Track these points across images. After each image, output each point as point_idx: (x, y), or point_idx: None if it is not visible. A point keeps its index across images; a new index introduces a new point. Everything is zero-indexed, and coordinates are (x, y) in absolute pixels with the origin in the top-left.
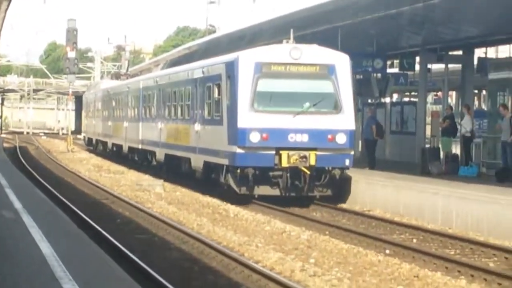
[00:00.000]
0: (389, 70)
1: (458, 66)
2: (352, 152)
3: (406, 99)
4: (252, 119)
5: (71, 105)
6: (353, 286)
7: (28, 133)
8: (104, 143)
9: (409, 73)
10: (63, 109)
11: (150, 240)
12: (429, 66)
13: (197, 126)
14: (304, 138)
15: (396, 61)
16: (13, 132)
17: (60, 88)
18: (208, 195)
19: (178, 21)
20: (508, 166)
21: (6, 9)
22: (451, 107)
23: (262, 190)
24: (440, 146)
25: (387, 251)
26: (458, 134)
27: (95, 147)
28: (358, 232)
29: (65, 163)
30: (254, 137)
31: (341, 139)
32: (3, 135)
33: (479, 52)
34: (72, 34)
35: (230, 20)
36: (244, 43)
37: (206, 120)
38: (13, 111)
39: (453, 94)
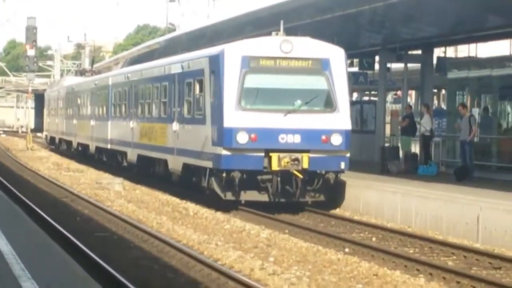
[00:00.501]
0: (348, 69)
1: (417, 65)
2: (348, 154)
3: (366, 98)
4: (239, 118)
5: (31, 103)
6: (312, 284)
7: None
8: (69, 142)
9: (369, 72)
10: (22, 107)
11: (109, 239)
12: (388, 65)
13: (175, 126)
14: (296, 139)
15: (355, 60)
16: None
17: (19, 86)
18: (167, 193)
19: (138, 19)
20: (466, 165)
21: None
22: (410, 106)
23: (249, 195)
24: (399, 145)
25: (347, 250)
26: (418, 133)
27: (58, 146)
28: (317, 230)
29: (25, 161)
30: (242, 138)
31: (336, 140)
32: None
33: (438, 52)
34: (31, 32)
35: (190, 19)
36: (218, 37)
37: (186, 119)
38: None
39: (413, 93)
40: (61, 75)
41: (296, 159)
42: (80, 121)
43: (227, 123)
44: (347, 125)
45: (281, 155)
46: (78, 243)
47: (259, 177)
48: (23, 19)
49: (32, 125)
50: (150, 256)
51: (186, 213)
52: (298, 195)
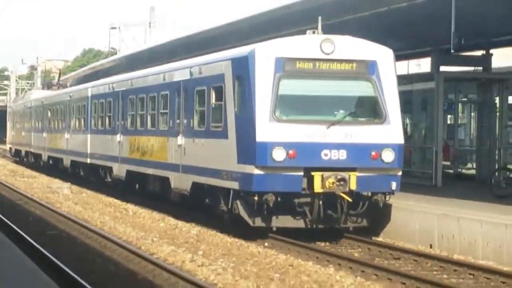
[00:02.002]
0: None
1: None
2: (400, 173)
3: None
4: (274, 131)
5: None
6: (236, 274)
7: None
8: (37, 155)
9: None
10: None
11: (59, 236)
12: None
13: (181, 140)
14: (342, 155)
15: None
16: None
17: None
18: (110, 196)
19: (84, 43)
20: None
21: None
22: None
23: (283, 221)
24: None
25: (266, 244)
26: None
27: (23, 158)
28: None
29: None
30: (278, 155)
31: (388, 156)
32: None
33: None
34: None
35: (129, 45)
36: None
37: (197, 132)
38: None
39: None
40: (16, 93)
41: (343, 179)
42: (52, 134)
43: (260, 137)
44: (400, 139)
45: (325, 174)
46: (30, 240)
47: (296, 201)
48: None
49: None
50: (94, 251)
51: (126, 213)
52: (343, 220)
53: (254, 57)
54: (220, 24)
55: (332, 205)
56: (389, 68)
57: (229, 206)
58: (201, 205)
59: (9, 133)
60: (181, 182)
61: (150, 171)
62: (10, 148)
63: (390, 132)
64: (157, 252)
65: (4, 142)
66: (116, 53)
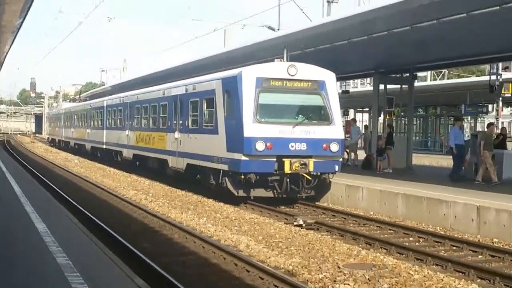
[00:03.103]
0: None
1: None
2: (341, 159)
3: None
4: (256, 130)
5: (33, 119)
6: (170, 206)
7: (6, 133)
8: (67, 143)
9: None
10: (28, 121)
11: (68, 182)
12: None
13: (177, 134)
14: (303, 146)
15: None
16: (2, 133)
17: (27, 111)
18: (101, 163)
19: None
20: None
21: (11, 44)
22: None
23: (258, 192)
24: None
25: (186, 189)
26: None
27: (57, 144)
28: (178, 178)
29: (28, 147)
30: (260, 146)
31: (334, 147)
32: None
33: None
34: (33, 85)
35: (110, 80)
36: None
37: (191, 130)
38: (2, 122)
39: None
40: (48, 106)
41: (304, 164)
42: (77, 129)
43: (247, 133)
44: (342, 135)
45: (292, 160)
46: (51, 184)
47: (269, 178)
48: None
49: (33, 130)
50: (88, 191)
51: (108, 172)
52: (301, 191)
53: (242, 77)
54: (193, 59)
55: (295, 181)
56: (333, 86)
57: (219, 181)
58: (192, 179)
59: (47, 128)
60: (178, 163)
61: (151, 154)
62: (48, 137)
63: (335, 130)
64: (126, 194)
65: (40, 133)
66: (104, 85)
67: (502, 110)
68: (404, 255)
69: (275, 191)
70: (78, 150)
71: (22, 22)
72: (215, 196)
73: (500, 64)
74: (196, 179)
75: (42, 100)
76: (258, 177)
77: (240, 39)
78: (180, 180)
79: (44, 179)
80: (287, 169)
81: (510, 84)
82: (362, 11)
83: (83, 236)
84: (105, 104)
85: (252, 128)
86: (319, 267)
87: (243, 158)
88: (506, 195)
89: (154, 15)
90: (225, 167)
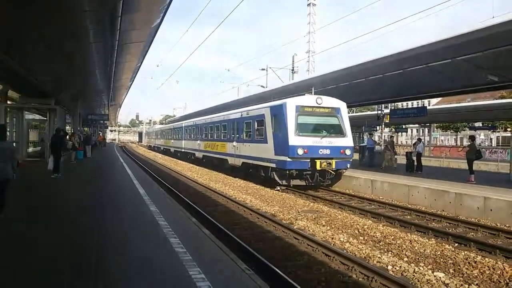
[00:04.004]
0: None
1: None
2: (351, 160)
3: None
4: (297, 140)
5: (137, 135)
6: (211, 180)
7: (124, 142)
8: (158, 147)
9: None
10: (134, 136)
11: (159, 170)
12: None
13: (235, 143)
14: (328, 151)
15: None
16: (121, 142)
17: (134, 130)
18: (177, 159)
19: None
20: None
21: (125, 95)
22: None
23: (295, 181)
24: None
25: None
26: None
27: (153, 148)
28: (233, 171)
29: (133, 148)
30: (300, 151)
31: (348, 152)
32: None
33: None
34: (137, 116)
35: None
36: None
37: (245, 140)
38: (121, 136)
39: None
40: (146, 127)
41: (330, 163)
42: (165, 139)
43: (291, 143)
44: (352, 144)
45: (322, 161)
46: (148, 170)
47: (304, 173)
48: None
49: (137, 140)
50: (171, 175)
51: (179, 163)
52: (326, 181)
53: (286, 105)
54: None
55: (322, 174)
56: (345, 111)
57: (268, 174)
58: (246, 171)
59: (146, 139)
60: (235, 161)
61: (215, 155)
62: (147, 144)
63: (348, 141)
64: (187, 175)
65: (140, 142)
66: (175, 116)
67: (383, 129)
68: (333, 206)
69: (306, 181)
70: (164, 152)
71: (131, 84)
72: (252, 180)
73: (383, 105)
74: (249, 172)
75: (142, 124)
76: (297, 172)
77: (245, 92)
78: (229, 171)
79: (142, 165)
80: (318, 167)
81: (388, 116)
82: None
83: (166, 198)
84: (183, 125)
85: (294, 139)
86: (288, 212)
87: (288, 159)
88: (391, 174)
89: (198, 79)
90: (273, 165)
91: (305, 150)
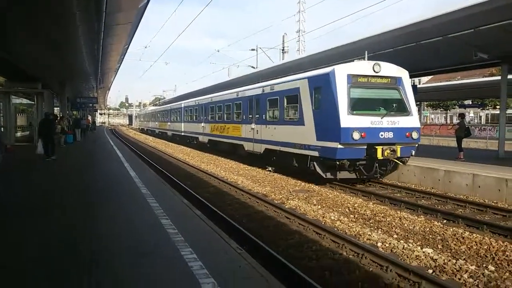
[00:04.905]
0: None
1: None
2: (417, 145)
3: None
4: (352, 121)
5: (127, 117)
6: (202, 162)
7: (113, 125)
8: (153, 130)
9: None
10: (124, 118)
11: (145, 149)
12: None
13: (253, 125)
14: (390, 135)
15: None
16: (111, 125)
17: (120, 112)
18: (169, 141)
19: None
20: None
21: (114, 78)
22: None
23: (343, 174)
24: None
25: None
26: None
27: (145, 131)
28: (251, 159)
29: (124, 131)
30: (356, 135)
31: (415, 135)
32: (109, 126)
33: None
34: (126, 99)
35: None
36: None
37: (269, 121)
38: (111, 119)
39: None
40: (135, 110)
41: (394, 150)
42: (160, 122)
43: (344, 124)
44: (419, 125)
45: (384, 147)
46: (138, 152)
47: (357, 163)
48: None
49: (128, 123)
50: (162, 158)
51: (171, 145)
52: (383, 173)
53: (335, 74)
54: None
55: (383, 165)
56: (408, 81)
57: (307, 165)
58: (268, 160)
59: (137, 122)
60: (254, 147)
61: (225, 140)
62: (138, 127)
63: (414, 120)
64: (176, 156)
65: (131, 125)
66: (165, 98)
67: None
68: (324, 185)
69: (359, 173)
70: (159, 136)
71: (119, 66)
72: (249, 163)
73: None
74: (272, 160)
75: (131, 106)
76: (349, 162)
77: (236, 74)
78: (243, 158)
79: (132, 147)
80: (379, 155)
81: None
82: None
83: (158, 181)
84: (182, 106)
85: (347, 119)
86: (280, 192)
87: (339, 146)
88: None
89: (187, 61)
90: (314, 153)
91: (363, 134)
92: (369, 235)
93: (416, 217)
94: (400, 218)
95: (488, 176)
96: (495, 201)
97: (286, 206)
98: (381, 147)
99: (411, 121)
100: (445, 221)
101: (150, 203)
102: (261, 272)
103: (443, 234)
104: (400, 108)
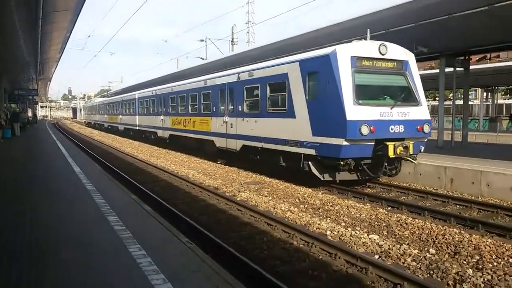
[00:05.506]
0: None
1: None
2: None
3: None
4: (359, 112)
5: (71, 110)
6: (152, 155)
7: (56, 119)
8: (101, 124)
9: None
10: (67, 112)
11: (92, 144)
12: None
13: (226, 119)
14: (401, 129)
15: None
16: (54, 118)
17: (67, 105)
18: (120, 136)
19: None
20: None
21: (55, 68)
22: None
23: (343, 176)
24: None
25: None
26: None
27: (92, 125)
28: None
29: (67, 125)
30: (365, 130)
31: (427, 128)
32: (51, 120)
33: None
34: (70, 91)
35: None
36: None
37: (247, 114)
38: (53, 112)
39: None
40: (81, 100)
41: (406, 147)
42: (110, 115)
43: (350, 116)
44: (429, 116)
45: (396, 143)
46: (82, 146)
47: (362, 162)
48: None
49: (72, 116)
50: (108, 152)
51: (115, 138)
52: (394, 174)
53: (336, 56)
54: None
55: (392, 164)
56: (414, 66)
57: (298, 165)
58: (244, 157)
59: (83, 115)
60: (228, 144)
61: (190, 135)
62: (84, 120)
63: (424, 111)
64: (121, 148)
65: (75, 118)
66: (111, 90)
67: None
68: (274, 176)
69: (363, 174)
70: (109, 130)
71: (60, 56)
72: (200, 155)
73: None
74: (253, 159)
75: (75, 99)
76: (354, 162)
77: (186, 65)
78: (213, 155)
79: (77, 142)
80: (391, 153)
81: None
82: None
83: (103, 175)
84: (136, 97)
85: (354, 111)
86: (231, 184)
87: (345, 143)
88: None
89: (134, 51)
90: (310, 151)
91: (372, 128)
92: (319, 224)
93: (362, 205)
94: (347, 207)
95: (428, 164)
96: (434, 188)
97: (238, 199)
98: (393, 143)
99: (422, 112)
100: (389, 208)
101: (95, 199)
102: (210, 265)
103: (388, 220)
104: (408, 97)
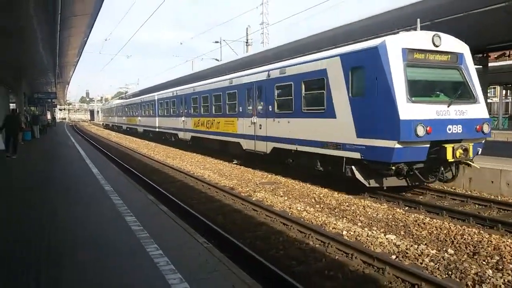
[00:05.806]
0: None
1: None
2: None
3: None
4: (413, 111)
5: (88, 112)
6: (168, 157)
7: (75, 121)
8: (119, 126)
9: None
10: (85, 114)
11: (109, 145)
12: None
13: (255, 119)
14: (459, 129)
15: None
16: (72, 120)
17: (81, 107)
18: (134, 137)
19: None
20: None
21: (73, 72)
22: None
23: (390, 182)
24: None
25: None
26: None
27: (110, 127)
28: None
29: (85, 127)
30: (420, 131)
31: (486, 128)
32: (69, 122)
33: None
34: (87, 94)
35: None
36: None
37: (278, 114)
38: (71, 115)
39: None
40: (98, 102)
41: (466, 149)
42: (129, 117)
43: (404, 116)
44: (488, 115)
45: (455, 146)
46: (97, 145)
47: (414, 166)
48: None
49: (89, 118)
50: (128, 154)
51: (134, 140)
52: (451, 179)
53: (386, 48)
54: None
55: (446, 168)
56: (470, 59)
57: (341, 169)
58: (276, 160)
59: (101, 117)
60: (256, 146)
61: (215, 137)
62: (102, 123)
63: (482, 109)
64: (141, 151)
65: (93, 120)
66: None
67: None
68: (291, 177)
69: (408, 179)
70: (128, 132)
71: (78, 60)
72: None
73: None
74: (286, 163)
75: (92, 101)
76: (407, 167)
77: (201, 66)
78: (239, 158)
79: (95, 144)
80: (449, 157)
81: None
82: None
83: (121, 176)
84: (156, 98)
85: (408, 109)
86: (247, 184)
87: (397, 145)
88: None
89: (149, 54)
90: (353, 154)
91: (428, 128)
92: (335, 224)
93: (379, 205)
94: (364, 207)
95: None
96: (453, 188)
97: (253, 199)
98: (452, 145)
99: (480, 110)
100: (406, 208)
101: (113, 200)
102: (228, 265)
103: (405, 220)
104: (465, 93)
